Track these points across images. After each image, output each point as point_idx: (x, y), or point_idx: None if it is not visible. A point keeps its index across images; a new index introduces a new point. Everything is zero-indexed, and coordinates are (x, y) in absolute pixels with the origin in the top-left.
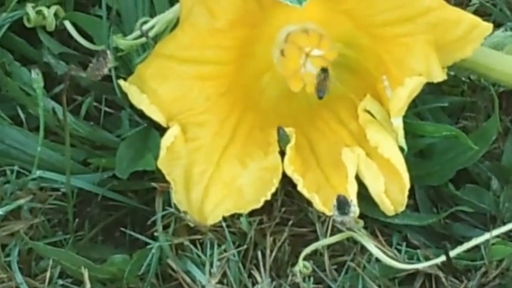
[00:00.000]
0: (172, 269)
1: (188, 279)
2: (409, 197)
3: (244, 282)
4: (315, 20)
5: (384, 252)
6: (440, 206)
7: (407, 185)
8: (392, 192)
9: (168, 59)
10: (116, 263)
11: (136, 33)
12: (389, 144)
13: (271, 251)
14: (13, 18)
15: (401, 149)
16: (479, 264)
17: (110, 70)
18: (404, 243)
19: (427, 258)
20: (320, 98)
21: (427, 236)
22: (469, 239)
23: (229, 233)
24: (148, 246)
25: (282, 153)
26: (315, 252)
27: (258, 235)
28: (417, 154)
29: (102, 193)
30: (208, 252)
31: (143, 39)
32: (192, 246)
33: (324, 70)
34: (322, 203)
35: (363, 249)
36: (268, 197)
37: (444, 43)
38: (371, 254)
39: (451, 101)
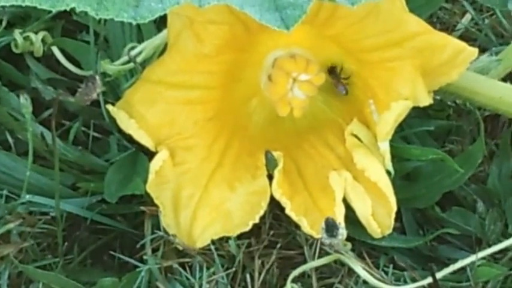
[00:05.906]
0: None
1: None
2: (396, 219)
3: None
4: (302, 45)
5: (371, 274)
6: (427, 229)
7: (394, 208)
8: (379, 215)
9: (156, 84)
10: (105, 286)
11: (124, 58)
12: (376, 168)
13: (260, 274)
14: (1, 44)
15: (388, 172)
16: (465, 286)
17: (98, 95)
18: (391, 265)
19: (413, 280)
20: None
21: (414, 258)
22: (455, 261)
23: (217, 256)
24: (137, 270)
25: (270, 177)
26: (303, 274)
27: (247, 258)
28: (404, 177)
29: (91, 217)
30: (197, 275)
31: (131, 65)
32: (181, 269)
33: (331, 71)
34: (310, 226)
35: (351, 272)
36: (257, 220)
37: (430, 67)
38: (358, 276)
39: (437, 124)
